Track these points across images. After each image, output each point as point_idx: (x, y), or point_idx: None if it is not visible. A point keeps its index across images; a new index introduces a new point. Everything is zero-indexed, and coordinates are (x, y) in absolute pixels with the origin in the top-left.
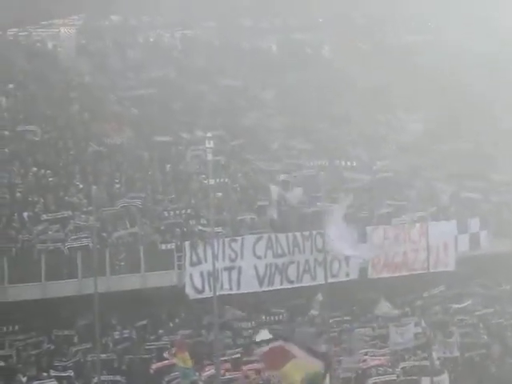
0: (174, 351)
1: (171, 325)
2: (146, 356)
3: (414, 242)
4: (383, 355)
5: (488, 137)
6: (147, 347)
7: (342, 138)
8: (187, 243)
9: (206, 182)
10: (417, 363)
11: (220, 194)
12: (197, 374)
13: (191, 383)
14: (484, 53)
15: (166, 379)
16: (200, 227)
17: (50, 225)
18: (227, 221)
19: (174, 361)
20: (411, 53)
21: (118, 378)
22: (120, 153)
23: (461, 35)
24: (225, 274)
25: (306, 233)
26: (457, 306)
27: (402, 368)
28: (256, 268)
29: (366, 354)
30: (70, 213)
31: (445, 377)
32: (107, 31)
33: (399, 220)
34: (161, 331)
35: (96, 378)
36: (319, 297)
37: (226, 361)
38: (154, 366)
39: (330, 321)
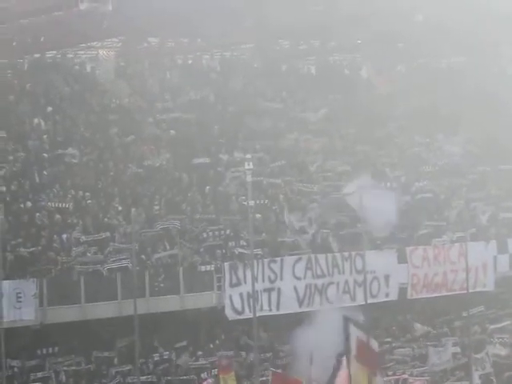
0: (217, 372)
1: (211, 346)
2: (186, 377)
3: (453, 262)
4: (422, 375)
5: None
6: (187, 369)
7: (381, 160)
8: (227, 264)
9: (245, 203)
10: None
11: (259, 215)
12: None
13: None
14: None
15: None
16: (239, 249)
17: (89, 247)
18: (267, 242)
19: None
20: (452, 74)
21: None
22: (159, 175)
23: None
24: (264, 295)
25: (346, 253)
26: (495, 326)
27: None
28: (296, 289)
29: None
30: (108, 234)
31: None
32: (145, 54)
33: (439, 240)
34: (200, 352)
35: None
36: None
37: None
38: None
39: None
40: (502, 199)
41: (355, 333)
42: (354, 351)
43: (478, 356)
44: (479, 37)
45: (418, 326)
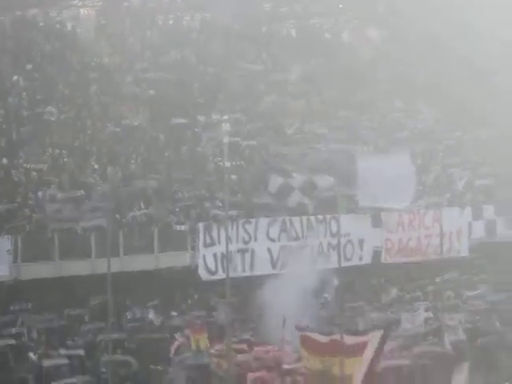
0: (189, 332)
1: (183, 306)
2: (158, 336)
3: (428, 227)
4: (394, 340)
5: (504, 125)
6: (159, 327)
7: (359, 124)
8: (201, 224)
9: (221, 164)
10: (428, 349)
11: (235, 176)
12: (209, 356)
13: (203, 365)
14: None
15: (177, 360)
16: (214, 210)
17: (64, 204)
18: (242, 203)
19: (189, 342)
20: (432, 41)
21: (129, 358)
22: (137, 134)
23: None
24: (238, 256)
25: (321, 216)
26: (468, 292)
27: (413, 353)
28: (269, 251)
29: None
30: (84, 193)
31: (457, 364)
32: (126, 13)
33: (414, 205)
34: (173, 312)
35: (107, 357)
36: (334, 281)
37: (237, 342)
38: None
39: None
40: (479, 166)
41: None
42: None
43: (451, 321)
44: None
45: (392, 290)
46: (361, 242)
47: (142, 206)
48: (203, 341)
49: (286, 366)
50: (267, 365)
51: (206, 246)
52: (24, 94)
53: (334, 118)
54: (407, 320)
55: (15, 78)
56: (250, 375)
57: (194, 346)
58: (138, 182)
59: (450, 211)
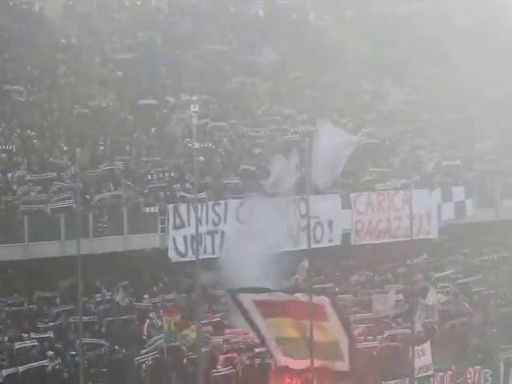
0: (161, 314)
1: (154, 288)
2: (127, 318)
3: (398, 209)
4: (365, 322)
5: (471, 107)
6: (129, 309)
7: (328, 105)
8: (170, 206)
9: (190, 145)
10: (399, 331)
11: (204, 158)
12: (178, 338)
13: (173, 347)
14: (469, 26)
15: (147, 342)
16: (183, 192)
17: (33, 186)
18: (211, 185)
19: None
20: (401, 22)
21: (101, 340)
22: (105, 115)
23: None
24: (208, 238)
25: (290, 198)
26: (439, 274)
27: (384, 335)
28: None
29: None
30: (53, 174)
31: (427, 345)
32: None
33: (383, 187)
34: (143, 294)
35: (78, 341)
36: (305, 263)
37: (207, 324)
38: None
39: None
40: (447, 147)
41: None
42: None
43: (421, 304)
44: None
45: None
46: (330, 224)
47: (111, 188)
48: (175, 322)
49: (256, 349)
50: (237, 347)
51: (175, 227)
52: None
53: (302, 99)
54: (378, 302)
55: None
56: (221, 357)
57: (166, 328)
58: (106, 164)
59: (419, 193)
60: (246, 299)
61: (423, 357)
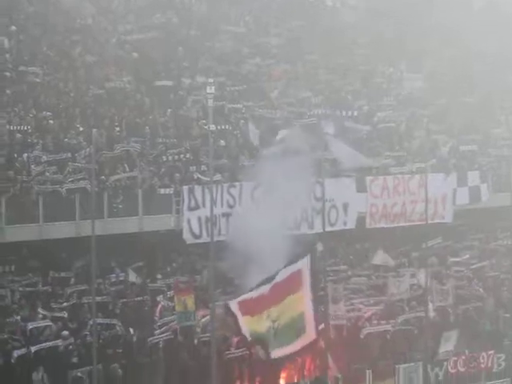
0: (173, 294)
1: (168, 269)
2: (141, 299)
3: (413, 193)
4: (378, 305)
5: (488, 92)
6: (143, 290)
7: (344, 89)
8: (185, 188)
9: (206, 127)
10: (413, 315)
11: (220, 139)
12: (194, 318)
13: (187, 328)
14: (487, 10)
15: (160, 322)
16: (199, 174)
17: (48, 166)
18: (227, 167)
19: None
20: (419, 6)
21: (114, 321)
22: (121, 96)
23: None
24: (223, 220)
25: (305, 181)
26: (453, 259)
27: (398, 319)
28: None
29: (361, 304)
30: (69, 155)
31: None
32: None
33: (398, 171)
34: (157, 275)
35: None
36: (319, 246)
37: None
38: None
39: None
40: (464, 132)
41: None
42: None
43: (435, 288)
44: None
45: (379, 252)
46: (345, 207)
47: (127, 169)
48: (189, 302)
49: None
50: None
51: (190, 209)
52: (8, 55)
53: (317, 82)
54: (393, 286)
55: None
56: (235, 339)
57: (178, 308)
58: (122, 145)
59: (434, 177)
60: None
61: (447, 343)
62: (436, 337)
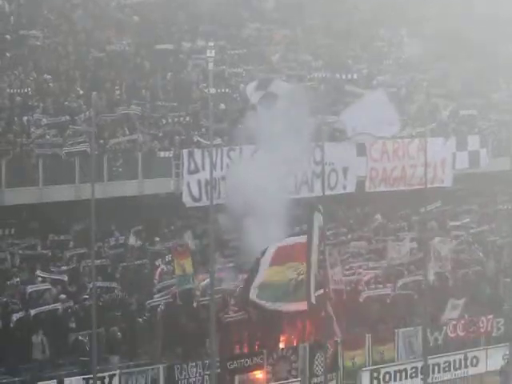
0: (172, 257)
1: (168, 232)
2: (141, 262)
3: (412, 157)
4: (377, 269)
5: (489, 57)
6: (142, 253)
7: (343, 52)
8: (185, 151)
9: (206, 91)
10: (412, 279)
11: (220, 103)
12: (193, 281)
13: (186, 291)
14: None
15: (159, 286)
16: (198, 137)
17: (48, 129)
18: (226, 130)
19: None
20: None
21: (113, 284)
22: (121, 60)
23: None
24: (222, 183)
25: (305, 144)
26: (453, 222)
27: (397, 283)
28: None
29: (360, 268)
30: (68, 118)
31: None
32: None
33: (398, 135)
34: (156, 238)
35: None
36: (320, 208)
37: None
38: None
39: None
40: (464, 96)
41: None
42: (316, 240)
43: (434, 252)
44: None
45: (378, 216)
46: (345, 171)
47: (127, 132)
48: (188, 265)
49: None
50: None
51: (190, 172)
52: (8, 18)
53: (317, 46)
54: (393, 250)
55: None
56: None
57: (178, 271)
58: (122, 108)
59: (434, 141)
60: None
61: (454, 311)
62: (436, 302)
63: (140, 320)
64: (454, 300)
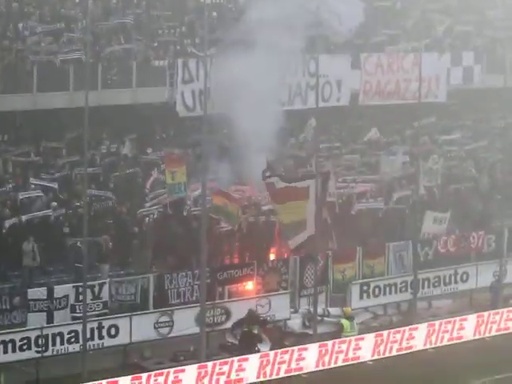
0: (165, 165)
1: (161, 141)
2: (133, 170)
3: (407, 71)
4: (370, 182)
5: None
6: (135, 162)
7: None
8: (180, 61)
9: (201, 0)
10: (404, 193)
11: (215, 13)
12: (185, 189)
13: (178, 201)
14: None
15: (151, 195)
16: (193, 48)
17: (44, 36)
18: (221, 40)
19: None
20: None
21: (107, 193)
22: None
23: None
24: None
25: (300, 56)
26: (446, 137)
27: (389, 198)
28: None
29: (353, 181)
30: (62, 25)
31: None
32: None
33: (393, 48)
34: (149, 147)
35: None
36: (312, 121)
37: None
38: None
39: (320, 146)
40: (459, 12)
41: None
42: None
43: (426, 166)
44: None
45: (373, 130)
46: (339, 83)
47: (122, 41)
48: (180, 173)
49: (262, 207)
50: (242, 204)
51: (184, 82)
52: None
53: None
54: (386, 163)
55: None
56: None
57: (169, 180)
58: (117, 17)
59: (429, 56)
60: None
61: (441, 225)
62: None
63: (134, 229)
64: (438, 213)
